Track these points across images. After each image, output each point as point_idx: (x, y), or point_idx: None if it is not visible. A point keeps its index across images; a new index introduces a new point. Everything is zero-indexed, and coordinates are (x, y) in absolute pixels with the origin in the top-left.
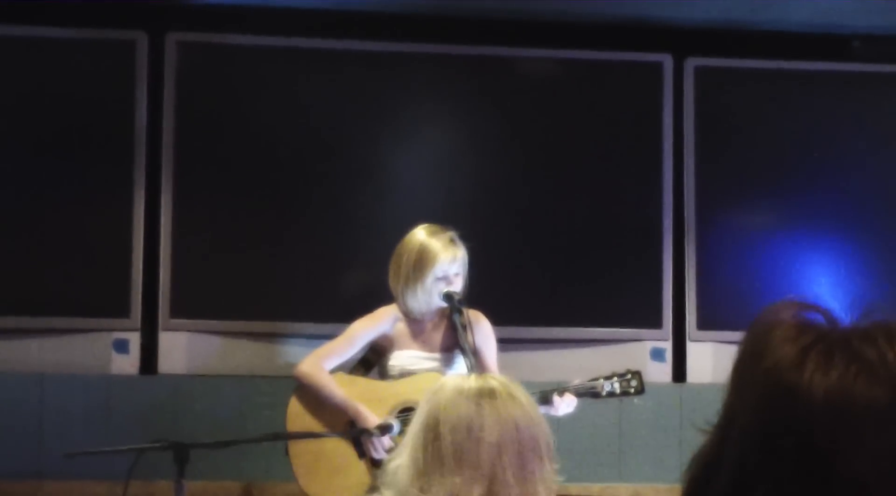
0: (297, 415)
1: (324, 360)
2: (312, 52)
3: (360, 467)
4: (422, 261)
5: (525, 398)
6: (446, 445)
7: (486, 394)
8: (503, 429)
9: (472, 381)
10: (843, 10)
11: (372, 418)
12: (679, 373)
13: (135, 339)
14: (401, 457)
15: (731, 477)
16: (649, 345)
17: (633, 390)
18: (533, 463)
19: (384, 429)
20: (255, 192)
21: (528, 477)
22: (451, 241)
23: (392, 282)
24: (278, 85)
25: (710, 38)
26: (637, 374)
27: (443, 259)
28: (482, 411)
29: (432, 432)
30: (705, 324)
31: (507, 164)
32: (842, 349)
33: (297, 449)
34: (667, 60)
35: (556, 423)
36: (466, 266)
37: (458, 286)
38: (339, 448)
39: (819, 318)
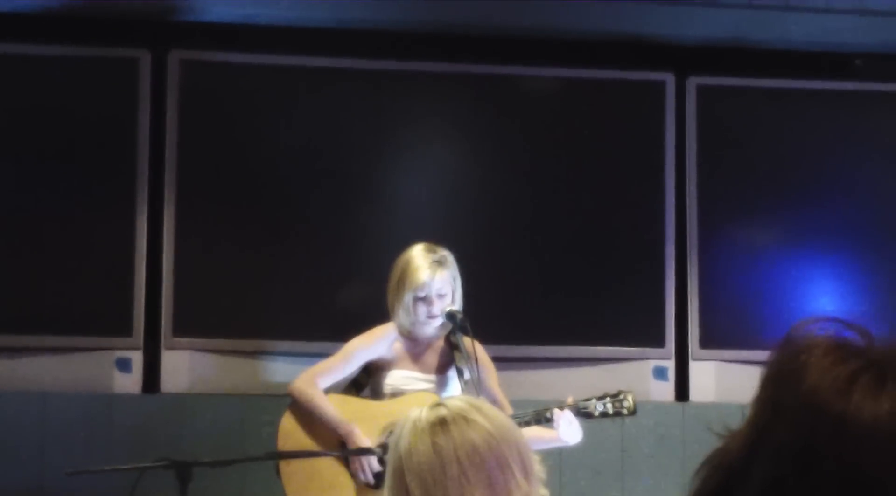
0: (290, 433)
1: (319, 378)
2: (313, 70)
3: (353, 487)
4: (402, 279)
5: (484, 417)
6: None
7: (439, 428)
8: (462, 460)
9: (424, 416)
10: (846, 29)
11: (364, 440)
12: (682, 391)
13: (137, 358)
14: None
15: (760, 493)
16: (652, 363)
17: (625, 411)
18: (503, 480)
19: (387, 449)
20: (258, 210)
21: (500, 494)
22: (437, 261)
23: (388, 299)
24: (280, 103)
25: (712, 56)
26: (629, 394)
27: (419, 279)
28: (438, 450)
29: (401, 484)
30: (708, 342)
31: (509, 181)
32: (893, 375)
33: (289, 468)
34: (669, 79)
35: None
36: (458, 285)
37: (442, 306)
38: (332, 466)
39: (855, 337)
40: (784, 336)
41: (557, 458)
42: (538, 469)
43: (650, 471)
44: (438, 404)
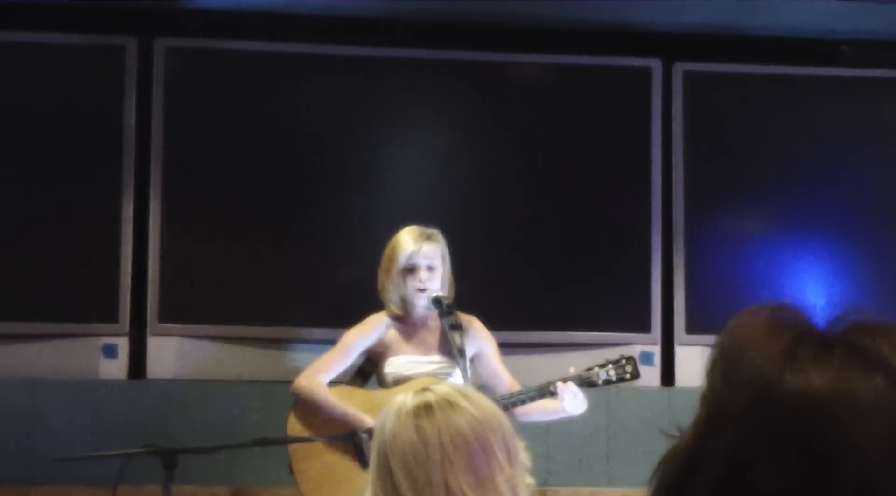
0: (297, 431)
1: (320, 374)
2: (302, 57)
3: (365, 478)
4: (391, 254)
5: (470, 403)
6: (398, 479)
7: (423, 412)
8: (445, 444)
9: (409, 401)
10: (833, 15)
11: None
12: (668, 376)
13: (123, 344)
14: (367, 493)
15: (720, 478)
16: (638, 348)
17: (628, 375)
18: (488, 467)
19: None
20: (244, 197)
21: (485, 482)
22: (425, 235)
23: (378, 282)
24: (268, 90)
25: (699, 43)
26: (631, 359)
27: (406, 248)
28: (422, 432)
29: (385, 468)
30: (694, 327)
31: (499, 168)
32: (838, 341)
33: (302, 467)
34: (656, 65)
35: (546, 428)
36: (447, 264)
37: (433, 283)
38: (343, 461)
39: (791, 316)
40: (724, 328)
41: (544, 444)
42: (524, 457)
43: (636, 456)
44: (424, 389)
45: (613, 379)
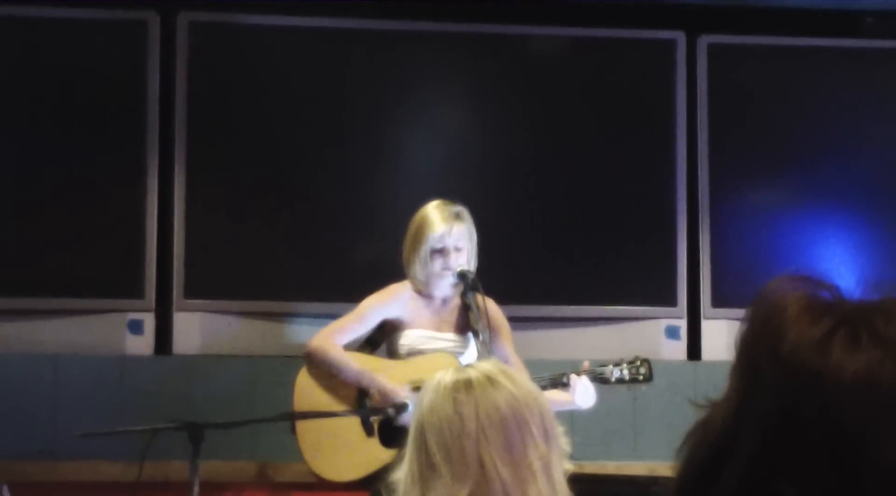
0: (305, 393)
1: (335, 336)
2: (323, 31)
3: (368, 445)
4: (419, 232)
5: (510, 381)
6: (433, 452)
7: (462, 387)
8: (482, 418)
9: (449, 376)
10: None
11: (390, 386)
12: (694, 350)
13: (149, 320)
14: (402, 469)
15: (749, 461)
16: (664, 323)
17: (641, 378)
18: (522, 445)
19: (399, 408)
20: (268, 172)
21: (518, 460)
22: (454, 214)
23: (403, 256)
24: (289, 64)
25: (723, 15)
26: (646, 362)
27: (436, 230)
28: (459, 407)
29: (420, 440)
30: (720, 301)
31: (520, 143)
32: (867, 330)
33: (304, 426)
34: (680, 38)
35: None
36: (474, 243)
37: (459, 261)
38: (347, 425)
39: (827, 295)
40: (755, 299)
41: (569, 419)
42: (563, 441)
43: (662, 430)
44: (468, 366)
45: (626, 379)
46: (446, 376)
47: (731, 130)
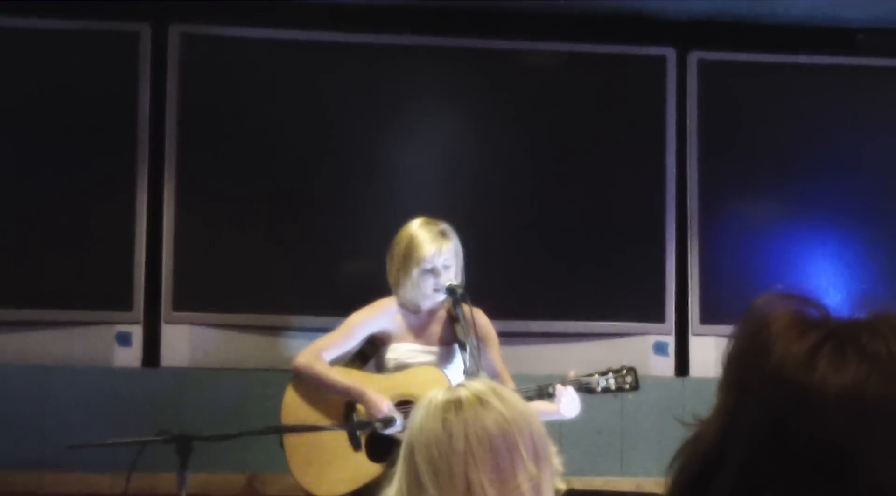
0: (293, 407)
1: (322, 352)
2: (315, 44)
3: (355, 459)
4: (409, 253)
5: (501, 402)
6: (421, 471)
7: (453, 407)
8: (471, 438)
9: (441, 396)
10: (848, 3)
11: (378, 398)
12: (682, 367)
13: (137, 332)
14: (392, 486)
15: (737, 476)
16: (652, 339)
17: (627, 386)
18: (511, 466)
19: (387, 422)
20: (258, 185)
21: (506, 481)
22: (440, 233)
23: (388, 274)
24: (281, 77)
25: (713, 31)
26: (632, 371)
27: (426, 252)
28: (448, 426)
29: (410, 459)
30: (708, 318)
31: (511, 157)
32: (853, 345)
33: (292, 441)
34: (670, 54)
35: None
36: (460, 258)
37: (448, 279)
38: (334, 440)
39: (814, 312)
40: (744, 315)
41: (557, 434)
42: (555, 461)
43: (649, 446)
44: (460, 386)
45: (612, 388)
46: (438, 395)
47: (721, 146)
